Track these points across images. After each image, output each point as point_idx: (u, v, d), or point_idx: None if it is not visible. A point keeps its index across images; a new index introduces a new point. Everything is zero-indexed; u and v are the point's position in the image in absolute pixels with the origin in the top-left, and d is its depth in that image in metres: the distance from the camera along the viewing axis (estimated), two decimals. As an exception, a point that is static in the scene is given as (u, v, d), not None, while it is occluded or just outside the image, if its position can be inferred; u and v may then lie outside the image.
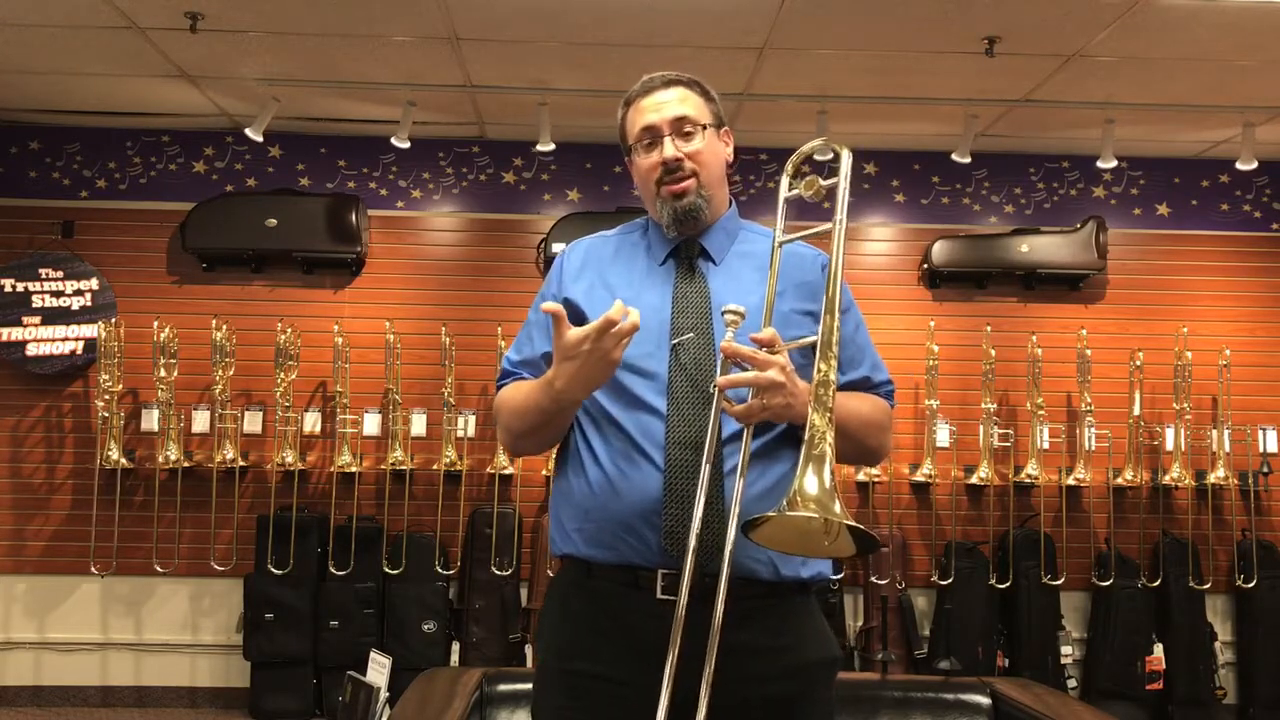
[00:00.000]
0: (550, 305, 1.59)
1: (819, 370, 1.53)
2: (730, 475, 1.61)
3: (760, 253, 1.79)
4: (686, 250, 1.80)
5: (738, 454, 1.60)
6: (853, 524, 1.43)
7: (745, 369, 1.57)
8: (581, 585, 1.71)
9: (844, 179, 1.68)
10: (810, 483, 1.45)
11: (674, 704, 1.53)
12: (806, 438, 1.48)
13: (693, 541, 1.54)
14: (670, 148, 1.75)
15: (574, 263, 1.84)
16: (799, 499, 1.44)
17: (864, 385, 1.79)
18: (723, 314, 1.58)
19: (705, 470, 1.57)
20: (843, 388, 1.72)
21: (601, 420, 1.71)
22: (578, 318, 1.76)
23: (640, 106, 1.80)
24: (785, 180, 1.79)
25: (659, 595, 1.62)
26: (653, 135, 1.77)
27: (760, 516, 1.46)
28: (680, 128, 1.76)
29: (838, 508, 1.44)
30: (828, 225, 1.67)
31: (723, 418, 1.61)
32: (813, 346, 1.61)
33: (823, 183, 1.73)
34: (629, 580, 1.65)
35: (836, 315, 1.57)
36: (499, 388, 1.85)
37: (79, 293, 4.90)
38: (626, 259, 1.83)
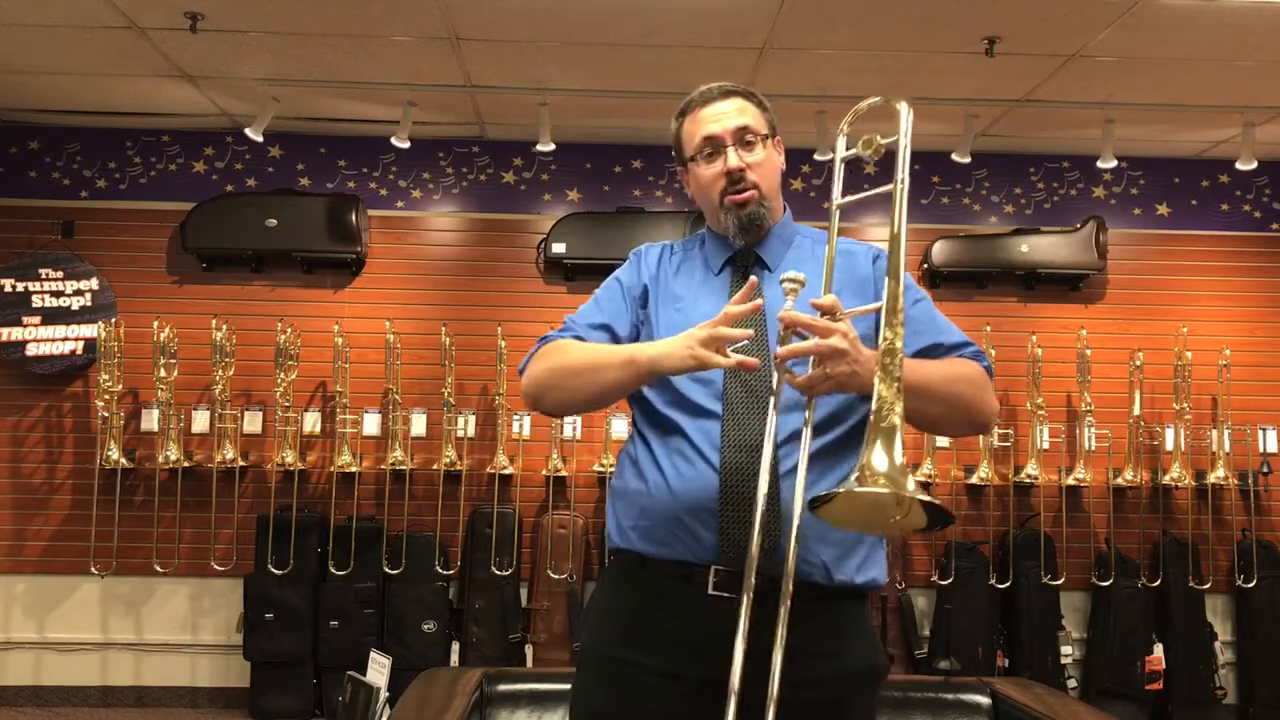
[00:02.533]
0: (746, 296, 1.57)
1: (884, 339, 1.46)
2: (787, 477, 1.61)
3: (816, 258, 1.79)
4: (742, 259, 1.81)
5: (795, 454, 1.59)
6: (925, 498, 1.38)
7: (806, 338, 1.52)
8: (634, 577, 1.73)
9: (904, 135, 1.61)
10: (879, 458, 1.38)
11: (716, 702, 1.52)
12: (874, 409, 1.42)
13: (756, 543, 1.53)
14: (734, 158, 1.76)
15: (650, 263, 1.88)
16: (867, 473, 1.38)
17: (935, 352, 1.74)
18: (781, 282, 1.56)
19: (764, 473, 1.54)
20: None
21: (661, 425, 1.73)
22: (645, 327, 1.81)
23: (699, 117, 1.81)
24: (841, 140, 1.75)
25: (710, 591, 1.63)
26: (714, 146, 1.78)
27: (827, 493, 1.41)
28: (742, 137, 1.78)
29: (910, 483, 1.38)
30: (888, 187, 1.60)
31: (780, 419, 1.58)
32: (876, 314, 1.56)
33: (881, 140, 1.66)
34: (683, 575, 1.66)
35: (901, 279, 1.51)
36: (546, 340, 1.83)
37: (79, 293, 4.90)
38: (687, 271, 1.86)
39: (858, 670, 1.69)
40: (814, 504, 1.43)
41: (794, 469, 1.59)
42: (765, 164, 1.79)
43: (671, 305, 1.80)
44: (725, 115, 1.78)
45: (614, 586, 1.79)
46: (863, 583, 1.68)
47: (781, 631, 1.49)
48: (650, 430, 1.75)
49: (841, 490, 1.39)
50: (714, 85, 1.83)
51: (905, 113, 1.63)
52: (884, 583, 1.75)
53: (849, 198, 1.69)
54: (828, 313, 1.52)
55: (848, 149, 1.72)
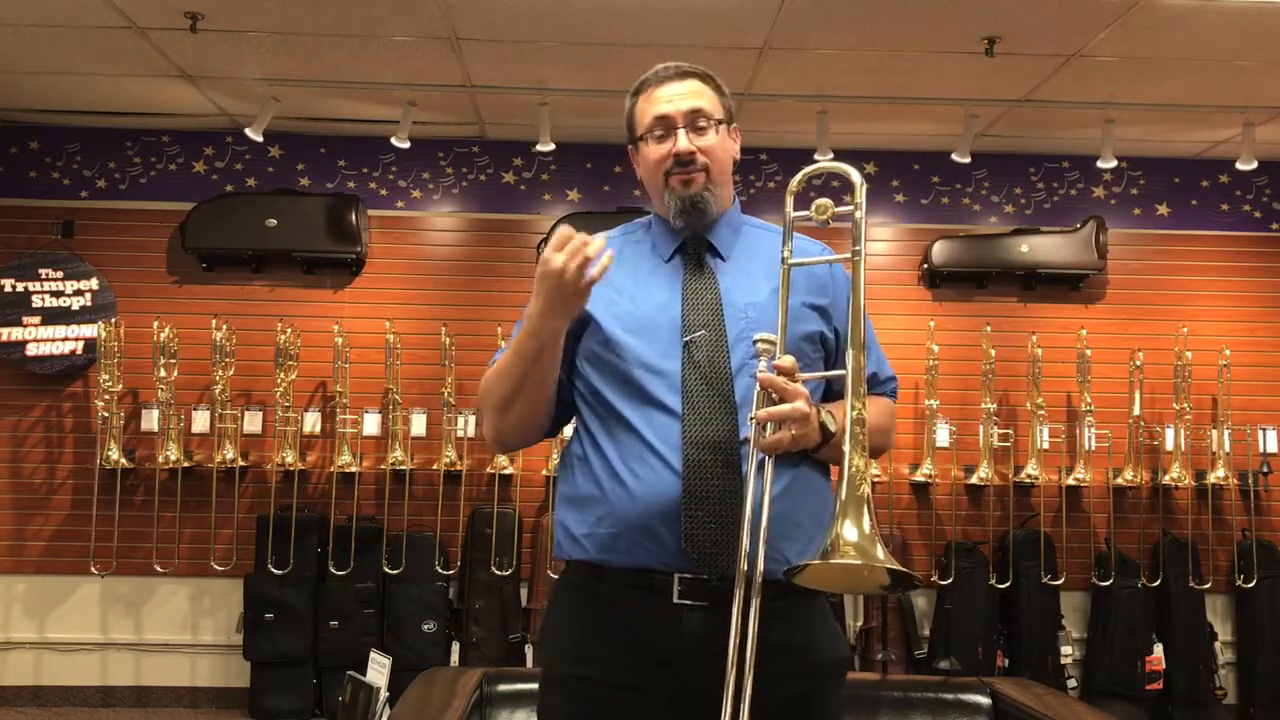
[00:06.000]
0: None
1: (853, 408, 1.51)
2: (747, 476, 1.60)
3: (766, 248, 1.77)
4: (694, 246, 1.76)
5: (755, 454, 1.60)
6: (894, 567, 1.43)
7: (774, 399, 1.56)
8: (589, 589, 1.67)
9: (860, 207, 1.62)
10: (849, 530, 1.44)
11: (693, 711, 1.53)
12: (847, 479, 1.46)
13: (745, 545, 1.53)
14: (684, 140, 1.72)
15: None
16: (840, 544, 1.43)
17: (871, 381, 1.76)
18: (754, 343, 1.57)
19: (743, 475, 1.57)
20: None
21: (611, 420, 1.68)
22: (582, 320, 1.72)
23: (653, 96, 1.76)
24: (790, 201, 1.71)
25: (675, 599, 1.60)
26: (665, 126, 1.73)
27: (801, 564, 1.46)
28: (694, 121, 1.73)
29: (879, 552, 1.43)
30: (845, 256, 1.65)
31: (742, 414, 1.61)
32: (824, 368, 1.67)
33: (836, 209, 1.66)
34: (643, 584, 1.62)
35: (864, 351, 1.56)
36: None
37: (79, 293, 4.90)
38: (631, 259, 1.78)
39: (827, 663, 1.68)
40: (789, 574, 1.48)
41: (754, 467, 1.60)
42: (717, 148, 1.74)
43: (615, 294, 1.72)
44: (679, 96, 1.73)
45: (570, 601, 1.72)
46: None
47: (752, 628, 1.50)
48: (599, 426, 1.69)
49: (817, 561, 1.45)
50: (670, 64, 1.78)
51: (859, 184, 1.63)
52: None
53: (803, 260, 1.69)
54: (786, 374, 1.55)
55: (797, 210, 1.69)
